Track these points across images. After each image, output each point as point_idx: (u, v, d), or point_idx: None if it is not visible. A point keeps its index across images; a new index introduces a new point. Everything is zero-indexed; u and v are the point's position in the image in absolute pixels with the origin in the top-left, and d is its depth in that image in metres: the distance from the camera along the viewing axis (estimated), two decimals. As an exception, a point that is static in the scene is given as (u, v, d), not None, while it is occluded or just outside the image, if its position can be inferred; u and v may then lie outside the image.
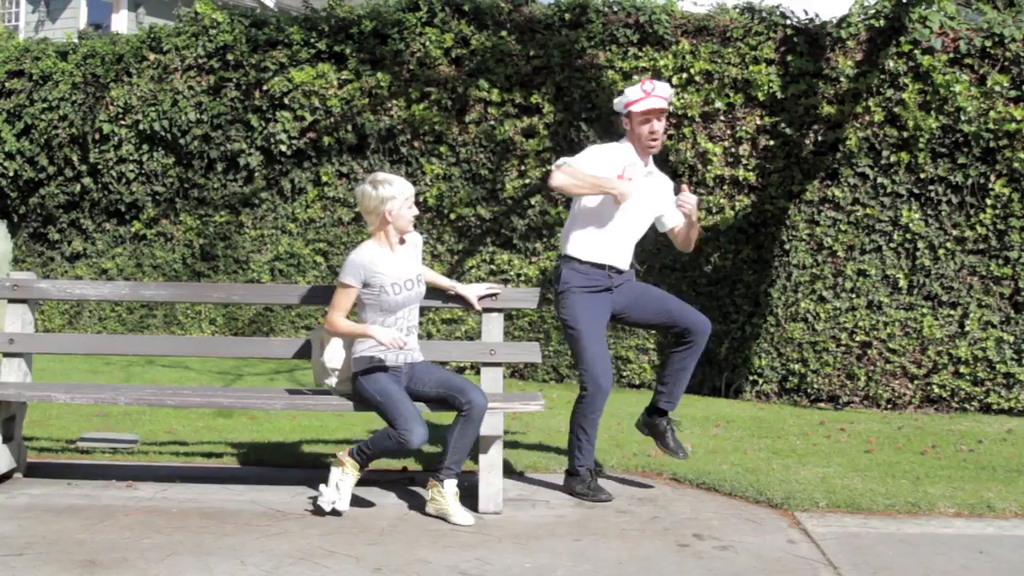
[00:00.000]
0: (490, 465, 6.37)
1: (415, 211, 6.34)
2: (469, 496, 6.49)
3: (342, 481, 6.19)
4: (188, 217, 13.01)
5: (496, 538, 5.81)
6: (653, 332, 11.10)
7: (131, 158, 13.14)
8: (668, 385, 6.82)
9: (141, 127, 13.01)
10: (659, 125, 6.65)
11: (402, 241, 6.40)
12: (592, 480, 6.70)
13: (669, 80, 10.90)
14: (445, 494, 6.18)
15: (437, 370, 6.38)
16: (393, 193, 6.22)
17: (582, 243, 6.68)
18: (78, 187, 13.50)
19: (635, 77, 10.95)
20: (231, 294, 7.18)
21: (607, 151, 6.76)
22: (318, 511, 6.20)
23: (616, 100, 6.81)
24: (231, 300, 7.10)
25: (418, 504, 6.42)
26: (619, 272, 6.71)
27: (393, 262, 6.29)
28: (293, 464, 7.44)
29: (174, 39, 13.00)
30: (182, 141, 12.86)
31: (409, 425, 5.99)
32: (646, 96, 6.62)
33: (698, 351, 6.72)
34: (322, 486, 6.21)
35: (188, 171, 12.97)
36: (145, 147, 13.11)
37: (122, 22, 24.77)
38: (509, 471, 7.02)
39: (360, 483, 6.67)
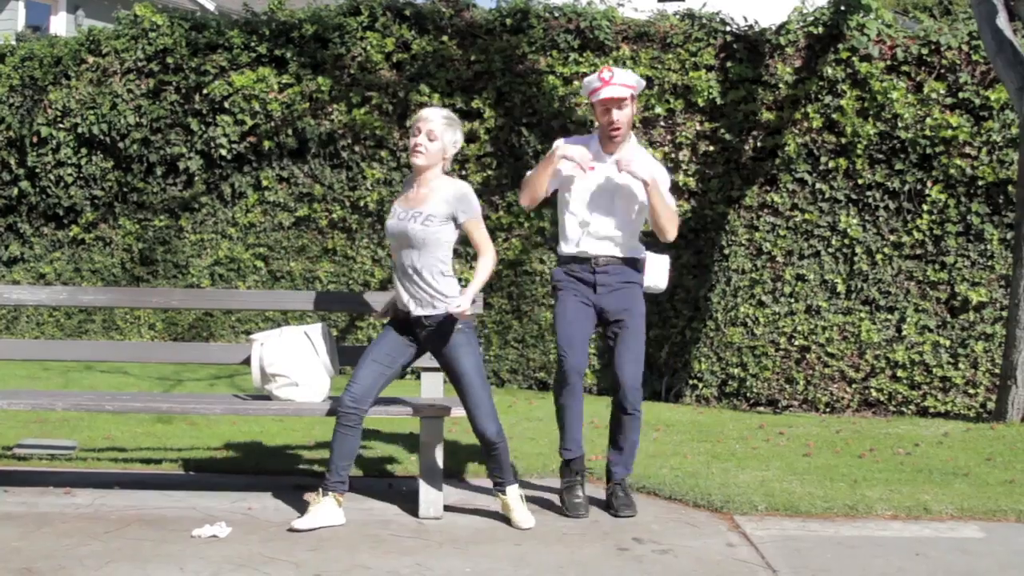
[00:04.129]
0: (430, 470, 6.37)
1: (417, 142, 6.10)
2: (409, 501, 6.50)
3: (314, 510, 6.12)
4: (127, 221, 12.90)
5: (436, 543, 5.81)
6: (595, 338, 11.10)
7: (69, 162, 13.02)
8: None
9: (80, 130, 12.89)
10: (619, 115, 6.41)
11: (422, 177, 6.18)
12: (573, 491, 6.61)
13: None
14: (508, 500, 6.25)
15: (463, 364, 6.13)
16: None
17: (563, 237, 6.57)
18: (15, 191, 13.34)
19: (575, 83, 11.00)
20: (170, 299, 7.15)
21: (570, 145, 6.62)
22: (257, 517, 6.18)
23: (581, 88, 6.66)
24: (170, 305, 7.07)
25: (357, 509, 6.40)
26: (603, 265, 6.50)
27: (408, 194, 6.22)
28: (233, 470, 7.40)
29: (113, 42, 12.89)
30: (121, 145, 12.76)
31: (352, 384, 6.07)
32: (604, 85, 6.40)
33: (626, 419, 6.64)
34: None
35: (127, 175, 12.86)
36: (84, 151, 12.98)
37: (61, 24, 24.60)
38: (449, 476, 7.01)
39: (301, 488, 6.66)
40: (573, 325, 6.52)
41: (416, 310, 6.11)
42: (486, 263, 6.13)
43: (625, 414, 6.55)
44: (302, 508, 6.32)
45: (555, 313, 6.66)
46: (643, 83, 6.70)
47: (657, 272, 6.68)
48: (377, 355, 6.14)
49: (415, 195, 6.15)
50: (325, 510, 6.04)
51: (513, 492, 6.25)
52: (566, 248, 6.57)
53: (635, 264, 6.60)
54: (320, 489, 6.10)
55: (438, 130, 6.08)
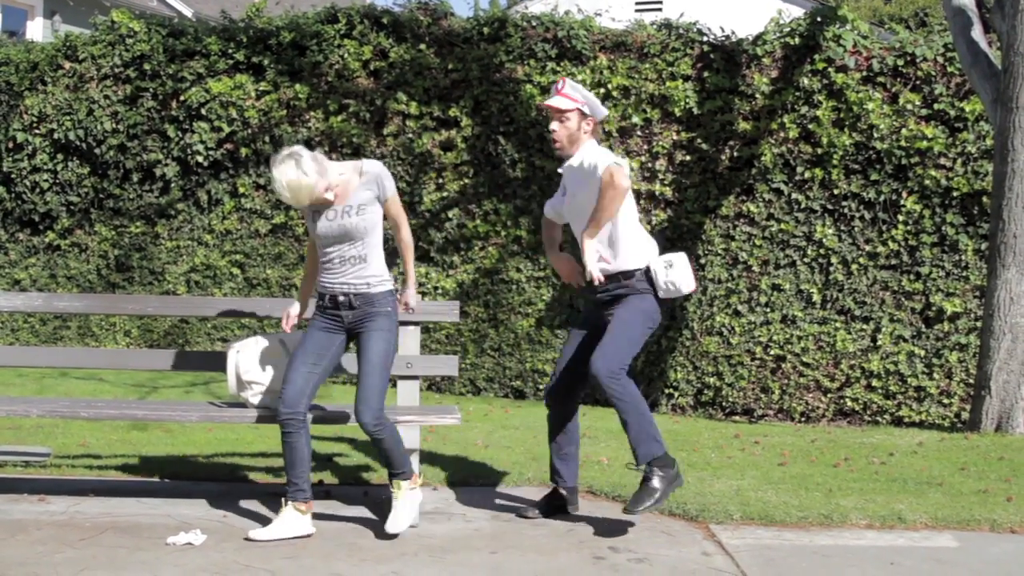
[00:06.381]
0: (407, 478, 6.36)
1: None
2: (386, 509, 6.47)
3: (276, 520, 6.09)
4: (103, 228, 12.87)
5: (412, 552, 5.81)
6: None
7: (45, 167, 12.98)
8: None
9: (56, 136, 12.84)
10: (558, 127, 6.32)
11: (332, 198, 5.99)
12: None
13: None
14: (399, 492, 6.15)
15: (371, 352, 6.07)
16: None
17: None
18: (-10, 196, 13.31)
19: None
20: (146, 306, 7.12)
21: None
22: (232, 525, 6.16)
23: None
24: (146, 312, 7.04)
25: (334, 518, 6.40)
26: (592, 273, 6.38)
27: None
28: (208, 477, 7.39)
29: (90, 48, 12.86)
30: (97, 151, 12.72)
31: (283, 394, 5.99)
32: (552, 93, 6.39)
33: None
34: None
35: (103, 181, 12.83)
36: (60, 156, 12.94)
37: (37, 30, 24.51)
38: (425, 484, 7.00)
39: (276, 496, 6.65)
40: (572, 343, 6.67)
41: (355, 289, 6.10)
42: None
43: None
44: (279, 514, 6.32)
45: None
46: (593, 102, 6.41)
47: (677, 272, 6.41)
48: (304, 357, 6.11)
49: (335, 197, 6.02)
50: (286, 520, 6.01)
51: (405, 486, 6.11)
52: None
53: (630, 275, 6.38)
54: (283, 499, 6.09)
55: (314, 181, 5.84)
